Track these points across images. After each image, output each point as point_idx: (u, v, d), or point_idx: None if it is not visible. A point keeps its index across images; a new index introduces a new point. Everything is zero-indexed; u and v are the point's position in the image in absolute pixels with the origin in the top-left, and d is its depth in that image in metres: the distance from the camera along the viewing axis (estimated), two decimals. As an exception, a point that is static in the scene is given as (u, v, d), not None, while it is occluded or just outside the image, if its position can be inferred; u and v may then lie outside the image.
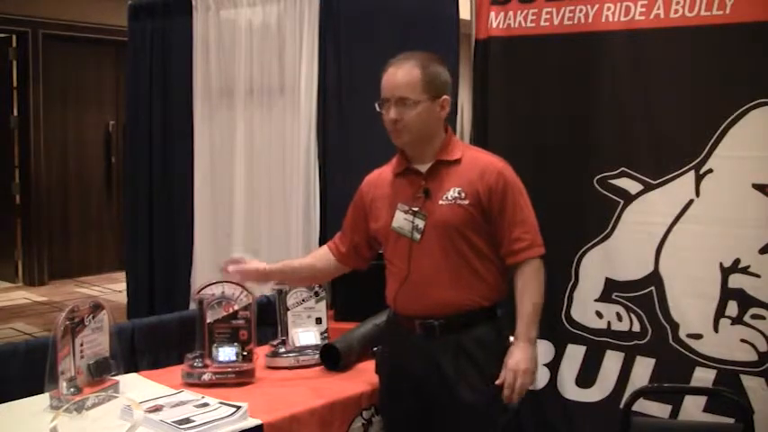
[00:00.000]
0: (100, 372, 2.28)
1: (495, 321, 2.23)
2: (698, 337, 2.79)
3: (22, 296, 6.80)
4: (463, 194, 2.19)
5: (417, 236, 2.21)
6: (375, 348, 2.53)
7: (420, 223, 2.20)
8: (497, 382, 2.14)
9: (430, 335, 2.20)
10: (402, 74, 2.20)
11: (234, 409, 2.11)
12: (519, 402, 2.19)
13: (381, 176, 2.38)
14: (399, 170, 2.31)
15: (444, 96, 2.23)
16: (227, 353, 2.44)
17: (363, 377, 2.54)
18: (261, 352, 2.60)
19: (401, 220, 2.24)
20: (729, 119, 2.70)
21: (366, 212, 2.37)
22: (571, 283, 3.03)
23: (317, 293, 2.77)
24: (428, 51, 2.30)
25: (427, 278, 2.20)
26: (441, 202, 2.20)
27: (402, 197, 2.26)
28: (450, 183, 2.21)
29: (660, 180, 2.84)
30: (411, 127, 2.19)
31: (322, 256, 2.49)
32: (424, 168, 2.25)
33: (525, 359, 2.15)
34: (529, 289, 2.20)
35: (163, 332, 2.92)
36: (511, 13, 3.10)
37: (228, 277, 2.45)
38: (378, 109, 2.25)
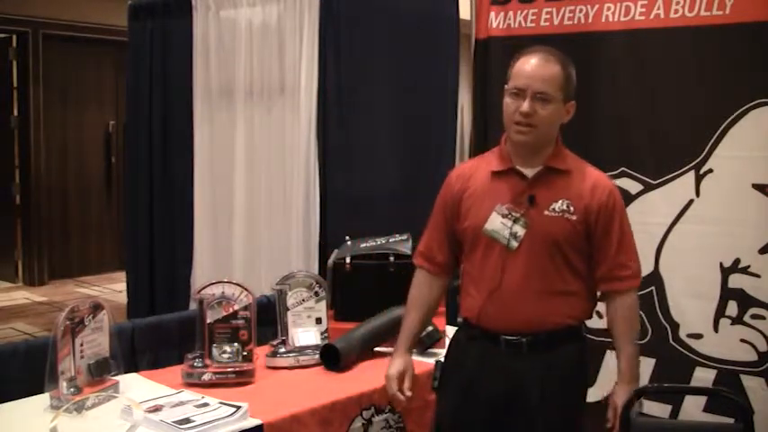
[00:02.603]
0: (100, 372, 2.28)
1: (581, 342, 2.14)
2: (698, 336, 2.79)
3: (22, 296, 6.80)
4: (572, 208, 2.04)
5: (514, 244, 2.04)
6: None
7: (519, 231, 2.04)
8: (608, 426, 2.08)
9: (516, 352, 2.06)
10: (544, 66, 2.02)
11: (234, 409, 2.11)
12: None
13: (475, 171, 2.17)
14: (500, 169, 2.12)
15: (572, 101, 2.08)
16: (227, 353, 2.44)
17: (363, 377, 2.54)
18: (261, 352, 2.60)
19: (497, 223, 2.06)
20: (729, 119, 2.70)
21: (456, 207, 2.16)
22: (571, 283, 3.03)
23: (316, 293, 2.76)
24: None
25: (519, 292, 2.05)
26: (546, 212, 2.04)
27: (501, 199, 2.07)
28: (559, 193, 2.05)
29: (660, 180, 2.84)
30: (540, 125, 2.02)
31: (428, 290, 2.27)
32: (530, 173, 2.08)
33: None
34: (632, 324, 2.12)
35: (163, 332, 2.92)
36: (511, 13, 3.10)
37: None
38: (507, 97, 2.06)
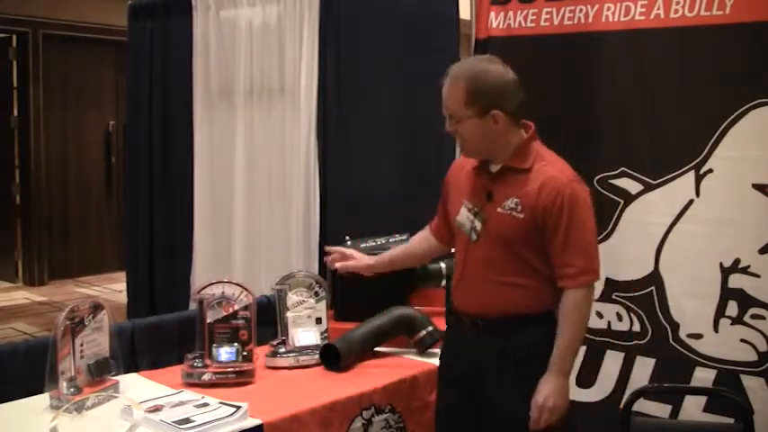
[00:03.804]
0: (100, 372, 2.28)
1: (542, 329, 2.16)
2: (698, 336, 2.79)
3: (22, 296, 6.80)
4: (519, 207, 2.13)
5: (474, 236, 2.20)
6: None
7: (478, 225, 2.20)
8: (531, 424, 2.11)
9: (475, 333, 2.22)
10: (448, 89, 2.17)
11: (234, 409, 2.11)
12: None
13: (463, 165, 2.33)
14: (477, 164, 2.26)
15: (494, 112, 2.13)
16: (227, 353, 2.44)
17: (363, 377, 2.54)
18: (261, 352, 2.60)
19: (464, 216, 2.24)
20: (729, 119, 2.70)
21: (447, 195, 2.38)
22: (571, 283, 3.03)
23: (316, 293, 2.77)
24: (489, 56, 2.27)
25: (477, 278, 2.21)
26: (499, 209, 2.16)
27: (470, 193, 2.25)
28: (512, 191, 2.16)
29: (660, 180, 2.84)
30: (466, 142, 2.19)
31: (422, 240, 2.52)
32: (494, 169, 2.22)
33: (554, 394, 2.09)
34: (570, 318, 2.13)
35: (163, 332, 2.92)
36: (511, 13, 3.10)
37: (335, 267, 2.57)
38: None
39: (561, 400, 2.10)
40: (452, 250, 2.45)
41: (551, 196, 2.11)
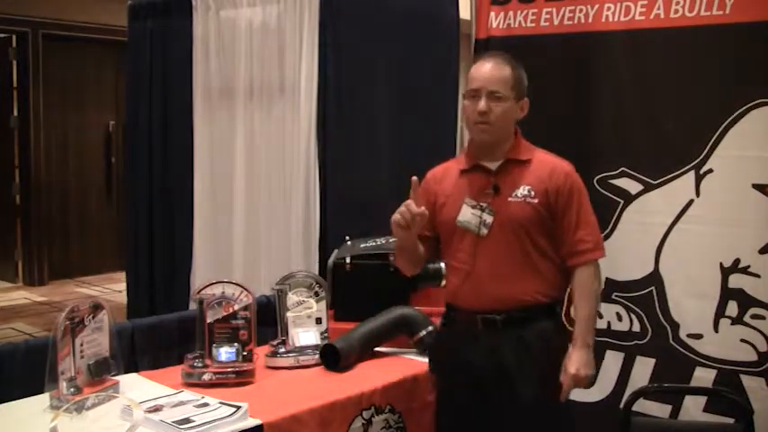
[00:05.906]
0: (100, 372, 2.28)
1: (554, 318, 2.29)
2: (698, 337, 2.79)
3: (22, 296, 6.80)
4: (533, 193, 2.24)
5: (484, 231, 2.25)
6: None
7: (488, 218, 2.25)
8: (563, 394, 2.21)
9: (491, 329, 2.25)
10: (495, 69, 2.27)
11: (234, 409, 2.11)
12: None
13: (447, 172, 2.41)
14: (467, 167, 2.34)
15: (525, 99, 2.31)
16: (227, 353, 2.44)
17: (363, 377, 2.54)
18: (261, 352, 2.60)
19: (468, 214, 2.28)
20: (729, 119, 2.70)
21: (432, 206, 2.36)
22: (571, 283, 3.03)
23: (317, 293, 2.77)
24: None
25: (491, 273, 2.25)
26: (510, 198, 2.25)
27: (469, 192, 2.30)
28: (521, 181, 2.26)
29: (660, 180, 2.84)
30: (496, 122, 2.25)
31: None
32: (493, 166, 2.30)
33: (585, 364, 2.21)
34: (587, 292, 2.25)
35: (163, 332, 2.91)
36: (511, 13, 3.10)
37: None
38: (463, 99, 2.32)
39: (589, 371, 2.23)
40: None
41: (561, 179, 2.25)
